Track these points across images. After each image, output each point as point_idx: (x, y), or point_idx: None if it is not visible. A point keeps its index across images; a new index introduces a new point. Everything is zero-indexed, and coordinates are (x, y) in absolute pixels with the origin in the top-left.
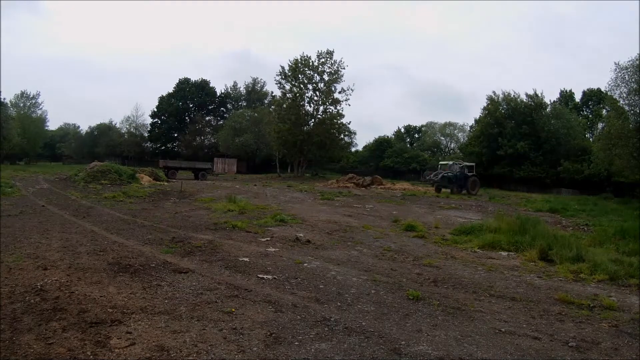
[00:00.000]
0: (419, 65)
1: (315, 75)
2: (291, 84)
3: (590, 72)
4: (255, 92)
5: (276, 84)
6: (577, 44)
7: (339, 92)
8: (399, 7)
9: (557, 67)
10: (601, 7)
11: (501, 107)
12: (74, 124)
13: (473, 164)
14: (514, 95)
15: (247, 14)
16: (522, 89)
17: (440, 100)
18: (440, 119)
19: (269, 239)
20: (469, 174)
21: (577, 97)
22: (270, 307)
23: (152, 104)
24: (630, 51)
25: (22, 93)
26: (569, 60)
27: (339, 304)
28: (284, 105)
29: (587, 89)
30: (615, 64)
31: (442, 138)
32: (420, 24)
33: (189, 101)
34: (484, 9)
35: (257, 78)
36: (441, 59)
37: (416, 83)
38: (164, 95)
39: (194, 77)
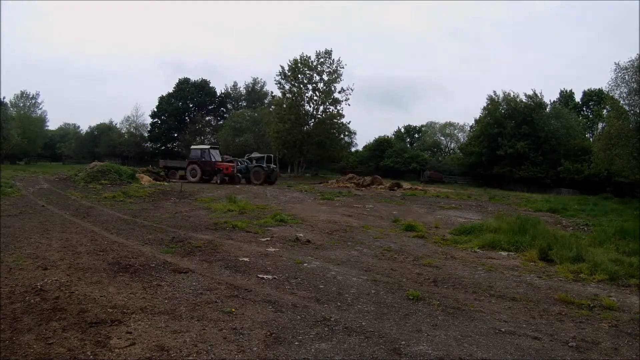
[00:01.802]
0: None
1: (315, 75)
2: (291, 84)
3: (571, 71)
4: (255, 92)
5: (276, 84)
6: (560, 44)
7: (339, 92)
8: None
9: (541, 67)
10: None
11: (501, 107)
12: (74, 124)
13: (268, 155)
14: (513, 96)
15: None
16: (506, 89)
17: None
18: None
19: (269, 239)
20: (256, 165)
21: (577, 97)
22: (270, 307)
23: (152, 104)
24: (619, 49)
25: (22, 93)
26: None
27: (339, 304)
28: (284, 105)
29: (587, 89)
30: (616, 64)
31: (442, 138)
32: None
33: (188, 101)
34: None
35: (257, 78)
36: (417, 57)
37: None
38: (164, 95)
39: (194, 77)
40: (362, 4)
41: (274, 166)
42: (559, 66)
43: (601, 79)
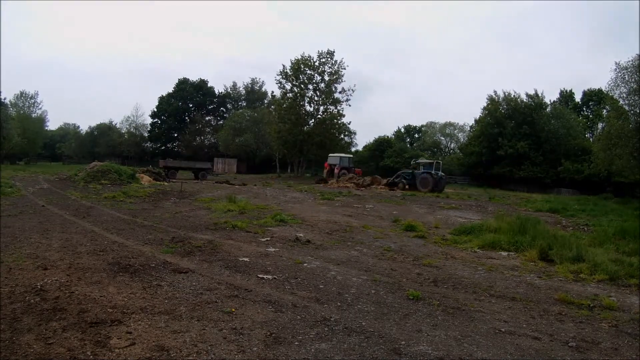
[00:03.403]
0: None
1: (316, 75)
2: (292, 83)
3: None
4: (254, 92)
5: (276, 83)
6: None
7: (340, 92)
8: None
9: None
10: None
11: (501, 107)
12: (74, 124)
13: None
14: (514, 96)
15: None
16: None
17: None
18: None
19: (269, 239)
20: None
21: (578, 97)
22: (270, 307)
23: (152, 104)
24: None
25: (22, 93)
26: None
27: (339, 304)
28: (284, 105)
29: (587, 89)
30: (616, 63)
31: (442, 138)
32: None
33: (188, 101)
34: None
35: (255, 78)
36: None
37: None
38: (164, 95)
39: (193, 78)
40: (353, 3)
41: (442, 173)
42: (559, 66)
43: (601, 79)
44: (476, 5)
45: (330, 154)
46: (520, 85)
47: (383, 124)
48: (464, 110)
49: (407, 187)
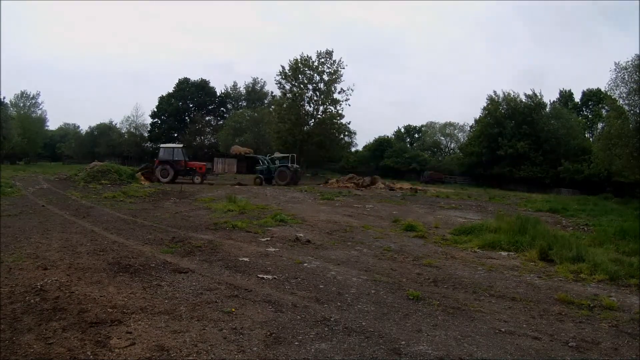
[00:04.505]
0: None
1: (315, 75)
2: (291, 84)
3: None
4: (255, 92)
5: (276, 83)
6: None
7: (339, 92)
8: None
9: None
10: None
11: (501, 107)
12: (74, 124)
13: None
14: (513, 95)
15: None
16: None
17: None
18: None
19: (269, 239)
20: (281, 165)
21: (577, 97)
22: (270, 307)
23: (152, 104)
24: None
25: (22, 93)
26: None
27: (339, 304)
28: (284, 105)
29: (587, 89)
30: (615, 63)
31: (442, 138)
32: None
33: (188, 101)
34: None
35: (256, 78)
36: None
37: None
38: (164, 95)
39: (194, 78)
40: (346, 3)
41: (297, 166)
42: (557, 65)
43: (600, 79)
44: (458, 5)
45: (160, 145)
46: (506, 84)
47: (370, 124)
48: (446, 108)
49: (263, 182)
